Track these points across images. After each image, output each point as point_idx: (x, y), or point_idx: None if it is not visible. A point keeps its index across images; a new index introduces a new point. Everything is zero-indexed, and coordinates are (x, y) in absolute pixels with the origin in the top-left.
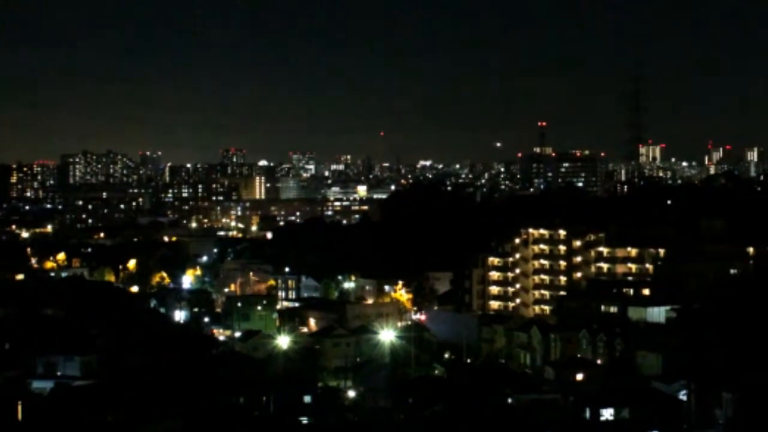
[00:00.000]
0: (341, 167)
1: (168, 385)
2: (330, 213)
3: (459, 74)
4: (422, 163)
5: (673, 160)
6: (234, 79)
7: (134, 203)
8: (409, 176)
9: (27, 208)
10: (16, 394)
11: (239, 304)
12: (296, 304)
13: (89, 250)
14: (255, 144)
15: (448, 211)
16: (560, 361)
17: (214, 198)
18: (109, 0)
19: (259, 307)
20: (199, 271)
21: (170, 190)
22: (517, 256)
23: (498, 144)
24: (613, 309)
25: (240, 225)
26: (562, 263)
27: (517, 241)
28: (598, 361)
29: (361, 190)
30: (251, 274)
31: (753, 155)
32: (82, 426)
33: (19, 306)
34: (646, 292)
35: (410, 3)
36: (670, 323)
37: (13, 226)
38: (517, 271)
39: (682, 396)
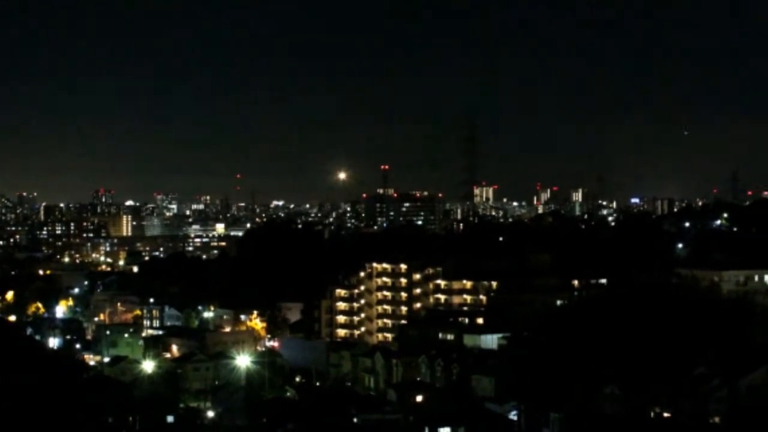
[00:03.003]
0: (201, 207)
1: (39, 405)
2: (191, 249)
3: (308, 120)
4: (275, 203)
5: (504, 200)
6: (102, 124)
7: (12, 240)
8: (263, 215)
9: None
10: None
11: (108, 332)
12: (160, 332)
13: None
14: (122, 185)
15: (298, 247)
16: (402, 384)
17: (85, 235)
18: None
19: (126, 335)
20: (71, 302)
21: (45, 228)
22: (362, 288)
23: (341, 176)
24: (450, 336)
25: (109, 260)
26: (404, 294)
27: (362, 274)
28: (437, 384)
29: (219, 227)
30: (119, 304)
31: (578, 196)
32: None
33: None
34: (480, 321)
35: (261, 51)
36: (501, 349)
37: None
38: (362, 301)
39: (513, 416)
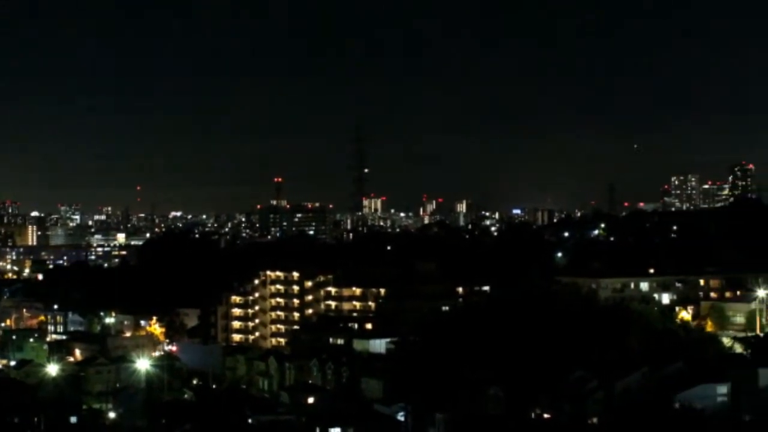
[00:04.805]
0: (103, 217)
1: None
2: (93, 257)
3: (206, 134)
4: (173, 213)
5: (392, 211)
6: (7, 135)
7: None
8: (163, 225)
9: None
10: None
11: (14, 337)
12: (64, 337)
13: None
14: (28, 196)
15: (196, 256)
16: (294, 387)
17: None
18: None
19: (32, 340)
20: None
21: None
22: (257, 294)
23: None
24: (340, 341)
25: (15, 268)
26: (296, 301)
27: (257, 281)
28: (328, 387)
29: (121, 237)
30: (24, 310)
31: (462, 207)
32: None
33: None
34: (369, 326)
35: (162, 68)
36: (389, 353)
37: None
38: (257, 308)
39: (401, 417)
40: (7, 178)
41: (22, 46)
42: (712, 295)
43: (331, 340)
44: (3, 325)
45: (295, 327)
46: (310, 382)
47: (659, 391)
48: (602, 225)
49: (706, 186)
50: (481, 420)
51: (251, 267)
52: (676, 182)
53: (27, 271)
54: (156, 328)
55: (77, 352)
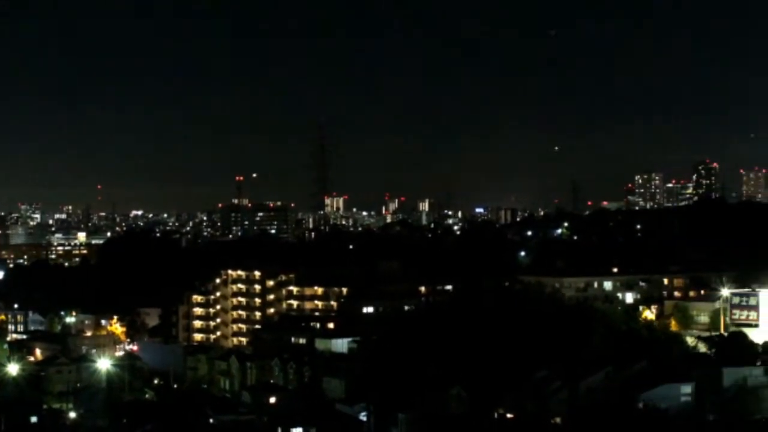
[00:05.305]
0: (64, 216)
1: None
2: (54, 256)
3: (166, 133)
4: (134, 212)
5: (354, 210)
6: None
7: None
8: (123, 224)
9: None
10: None
11: None
12: (24, 336)
13: None
14: None
15: (157, 255)
16: (256, 386)
17: None
18: None
19: None
20: None
21: None
22: (218, 294)
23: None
24: (302, 340)
25: None
26: (258, 300)
27: (218, 281)
28: (289, 386)
29: (81, 236)
30: None
31: (425, 206)
32: None
33: None
34: (331, 325)
35: (125, 65)
36: (351, 353)
37: None
38: (218, 307)
39: (363, 416)
40: None
41: None
42: (676, 294)
43: (293, 339)
44: None
45: (257, 326)
46: (271, 381)
47: (623, 390)
48: (566, 224)
49: (670, 185)
50: (444, 420)
51: (213, 266)
52: (640, 181)
53: None
54: (117, 327)
55: (38, 351)
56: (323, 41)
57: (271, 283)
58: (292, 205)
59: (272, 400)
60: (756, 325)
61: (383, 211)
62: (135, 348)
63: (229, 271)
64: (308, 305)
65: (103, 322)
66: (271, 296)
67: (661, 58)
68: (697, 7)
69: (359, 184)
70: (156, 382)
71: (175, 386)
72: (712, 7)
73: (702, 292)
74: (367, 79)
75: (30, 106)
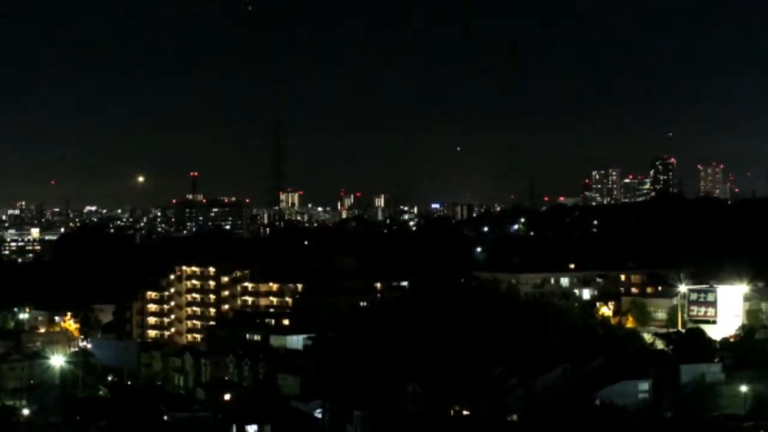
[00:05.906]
0: (17, 212)
1: None
2: (7, 252)
3: (120, 128)
4: (88, 208)
5: (309, 205)
6: None
7: None
8: (77, 220)
9: None
10: None
11: None
12: None
13: None
14: None
15: (111, 251)
16: (210, 383)
17: None
18: None
19: None
20: None
21: None
22: (172, 290)
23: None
24: (257, 337)
25: None
26: (212, 296)
27: (172, 277)
28: (244, 383)
29: (35, 232)
30: None
31: (380, 201)
32: None
33: None
34: (286, 322)
35: (75, 63)
36: (307, 350)
37: None
38: (172, 303)
39: (318, 414)
40: None
41: None
42: (633, 290)
43: (247, 336)
44: None
45: (212, 323)
46: (226, 378)
47: (580, 387)
48: (522, 219)
49: (627, 180)
50: (400, 417)
51: (167, 262)
52: (597, 176)
53: None
54: (71, 324)
55: None
56: (283, 39)
57: (225, 279)
58: (247, 200)
59: (227, 397)
60: (714, 322)
61: (339, 207)
62: (89, 345)
63: (184, 267)
64: (263, 302)
65: (57, 318)
66: (226, 292)
67: (618, 54)
68: (653, 4)
69: (314, 180)
70: (110, 379)
71: (129, 383)
72: (667, 4)
73: (659, 288)
74: (321, 76)
75: None
